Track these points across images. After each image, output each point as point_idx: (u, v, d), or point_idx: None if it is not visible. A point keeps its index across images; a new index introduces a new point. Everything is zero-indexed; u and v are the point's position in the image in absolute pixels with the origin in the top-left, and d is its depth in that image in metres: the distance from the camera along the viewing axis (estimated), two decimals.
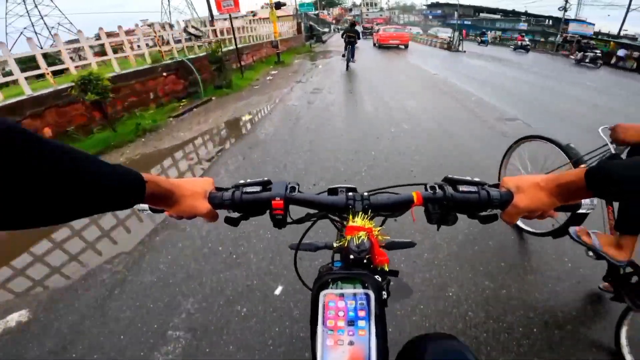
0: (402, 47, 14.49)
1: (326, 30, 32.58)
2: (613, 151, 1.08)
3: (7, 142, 0.25)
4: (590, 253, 1.17)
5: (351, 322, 0.40)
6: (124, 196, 0.36)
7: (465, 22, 30.08)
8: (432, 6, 44.04)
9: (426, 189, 0.45)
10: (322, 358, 0.38)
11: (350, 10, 69.49)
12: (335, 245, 0.48)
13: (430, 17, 38.66)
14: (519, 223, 1.67)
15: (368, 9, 67.69)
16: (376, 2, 71.40)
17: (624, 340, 1.06)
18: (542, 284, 1.35)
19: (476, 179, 0.45)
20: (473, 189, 0.44)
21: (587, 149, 1.20)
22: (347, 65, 8.32)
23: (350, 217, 0.44)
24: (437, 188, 0.44)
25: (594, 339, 1.13)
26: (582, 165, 1.17)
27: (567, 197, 0.41)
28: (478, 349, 1.07)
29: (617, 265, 1.10)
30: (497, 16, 32.79)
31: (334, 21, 58.94)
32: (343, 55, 8.59)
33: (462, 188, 0.44)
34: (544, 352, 1.08)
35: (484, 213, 0.44)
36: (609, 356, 1.08)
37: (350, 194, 0.46)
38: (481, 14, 35.45)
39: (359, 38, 8.11)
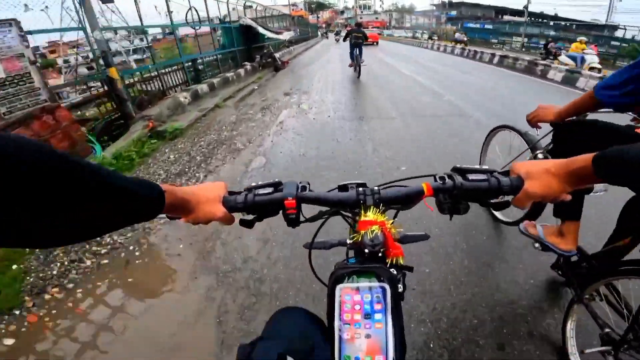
0: (375, 43, 27.55)
1: (307, 35, 30.91)
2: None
3: (42, 164, 0.35)
4: (537, 245, 1.55)
5: (367, 316, 0.56)
6: (147, 209, 0.52)
7: (486, 26, 34.12)
8: (443, 6, 49.90)
9: (435, 180, 0.65)
10: (339, 351, 0.54)
11: (342, 12, 79.16)
12: (348, 241, 0.65)
13: (445, 19, 43.29)
14: (492, 211, 2.33)
15: (362, 11, 76.68)
16: (369, 5, 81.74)
17: (569, 332, 1.38)
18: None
19: (485, 167, 0.66)
20: (482, 177, 0.63)
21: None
22: (359, 72, 9.26)
23: (362, 212, 0.63)
24: (446, 178, 0.64)
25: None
26: (538, 151, 1.67)
27: (578, 182, 0.58)
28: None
29: (562, 254, 1.44)
30: (522, 19, 37.61)
31: (323, 25, 66.13)
32: (350, 65, 9.79)
33: (471, 177, 0.63)
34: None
35: (495, 200, 0.64)
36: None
37: (360, 189, 0.65)
38: (504, 17, 40.51)
39: (366, 39, 9.35)
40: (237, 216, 0.67)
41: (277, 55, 13.00)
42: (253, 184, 0.68)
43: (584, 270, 1.41)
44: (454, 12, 43.56)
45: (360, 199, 0.64)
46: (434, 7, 53.84)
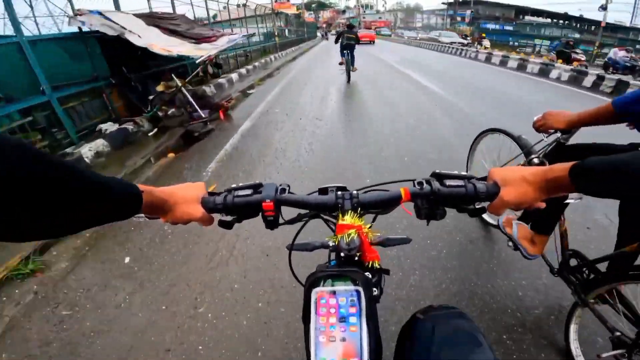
0: (372, 42, 32.07)
1: (302, 36, 30.63)
2: (561, 140, 1.66)
3: (18, 160, 0.40)
4: (510, 243, 1.84)
5: (342, 319, 0.64)
6: (123, 208, 0.59)
7: (506, 27, 35.14)
8: (454, 5, 51.15)
9: (414, 185, 0.74)
10: (315, 354, 0.61)
11: (344, 12, 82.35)
12: (330, 244, 0.74)
13: (469, 18, 43.98)
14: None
15: (364, 11, 79.58)
16: (372, 5, 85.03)
17: (572, 335, 1.58)
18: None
19: (463, 173, 0.75)
20: (460, 182, 0.72)
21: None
22: (349, 77, 9.67)
23: (340, 215, 0.71)
24: (424, 183, 0.73)
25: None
26: (534, 156, 1.83)
27: (554, 191, 0.66)
28: None
29: (526, 257, 1.76)
30: (547, 20, 38.65)
31: (324, 25, 68.42)
32: (340, 63, 10.20)
33: (449, 182, 0.72)
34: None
35: (470, 207, 0.73)
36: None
37: (339, 192, 0.74)
38: (526, 17, 41.54)
39: (358, 42, 9.78)
40: (217, 217, 0.75)
41: (209, 88, 8.29)
42: (233, 185, 0.76)
43: (587, 274, 1.57)
44: (468, 12, 44.71)
45: (338, 202, 0.73)
46: (446, 6, 55.13)
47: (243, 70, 11.89)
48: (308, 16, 55.09)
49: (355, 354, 0.61)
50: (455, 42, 25.80)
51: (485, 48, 22.15)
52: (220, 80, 9.76)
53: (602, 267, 1.51)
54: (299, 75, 12.45)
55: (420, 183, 0.74)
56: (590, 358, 1.53)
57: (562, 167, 0.62)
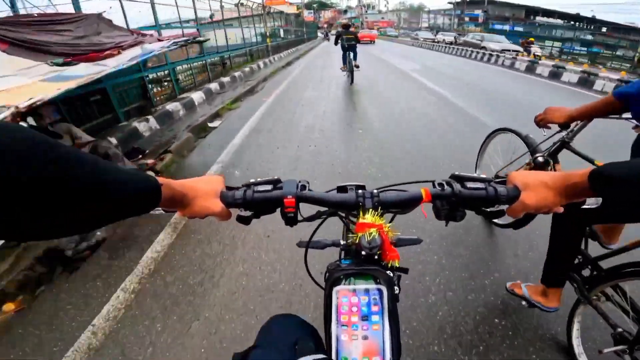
0: (372, 42, 35.24)
1: (302, 37, 29.14)
2: (566, 139, 1.86)
3: (33, 152, 0.40)
4: (524, 302, 1.96)
5: (365, 317, 0.68)
6: (143, 204, 0.62)
7: (516, 28, 35.37)
8: (462, 4, 51.54)
9: (434, 186, 0.78)
10: (336, 352, 0.65)
11: (345, 12, 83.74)
12: (342, 242, 0.77)
13: (482, 18, 44.04)
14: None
15: (366, 11, 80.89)
16: (373, 4, 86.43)
17: (575, 333, 1.71)
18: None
19: (483, 176, 0.79)
20: (480, 185, 0.76)
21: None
22: (352, 78, 9.76)
23: (361, 214, 0.75)
24: (445, 185, 0.77)
25: None
26: (538, 154, 2.00)
27: (573, 196, 0.71)
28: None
29: (548, 311, 1.83)
30: (558, 21, 38.89)
31: (325, 25, 69.29)
32: (342, 69, 10.40)
33: (469, 184, 0.76)
34: None
35: (490, 209, 0.77)
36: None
37: (360, 191, 0.78)
38: (537, 18, 41.82)
39: (358, 42, 9.96)
40: (235, 212, 0.79)
41: (144, 125, 5.54)
42: (252, 180, 0.80)
43: (590, 272, 1.66)
44: (480, 12, 45.00)
45: (359, 201, 0.76)
46: (452, 6, 55.49)
47: (213, 85, 9.12)
48: (307, 15, 55.38)
49: (377, 352, 0.64)
50: (508, 50, 18.38)
51: (535, 56, 17.53)
52: (172, 105, 6.71)
53: (605, 264, 1.58)
54: (291, 89, 9.78)
55: (440, 184, 0.78)
56: (592, 355, 1.67)
57: (580, 173, 0.66)
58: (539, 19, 41.70)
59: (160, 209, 0.68)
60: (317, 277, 0.92)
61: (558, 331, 1.90)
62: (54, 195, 0.43)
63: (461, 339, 1.89)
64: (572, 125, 1.76)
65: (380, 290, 0.70)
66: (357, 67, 10.00)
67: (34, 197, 0.41)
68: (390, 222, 0.78)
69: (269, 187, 0.78)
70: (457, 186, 0.76)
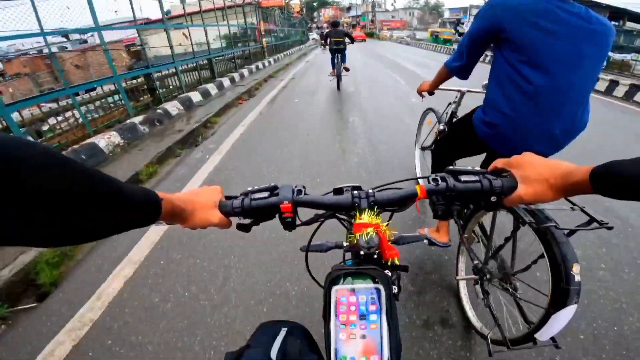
0: (364, 41, 40.80)
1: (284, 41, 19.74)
2: (453, 110, 2.69)
3: (45, 166, 0.42)
4: (425, 241, 2.39)
5: (363, 316, 0.68)
6: (143, 216, 0.63)
7: None
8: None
9: (429, 182, 0.79)
10: (335, 351, 0.66)
11: (348, 9, 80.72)
12: (345, 244, 0.78)
13: None
14: None
15: (374, 10, 79.15)
16: (380, 3, 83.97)
17: (460, 266, 2.03)
18: None
19: (477, 169, 0.79)
20: (475, 178, 0.77)
21: None
22: (338, 84, 9.03)
23: (357, 214, 0.76)
24: (439, 180, 0.78)
25: None
26: (441, 124, 2.81)
27: (572, 192, 0.71)
28: None
29: (442, 246, 2.34)
30: None
31: (325, 25, 67.27)
32: (330, 74, 9.31)
33: (464, 178, 0.77)
34: None
35: (487, 201, 0.77)
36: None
37: (355, 192, 0.79)
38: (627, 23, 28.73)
39: (352, 41, 9.18)
40: (235, 220, 0.81)
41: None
42: (249, 188, 0.82)
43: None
44: None
45: (355, 202, 0.78)
46: (469, 6, 53.50)
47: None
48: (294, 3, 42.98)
49: (375, 350, 0.65)
50: None
51: None
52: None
53: None
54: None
55: (435, 180, 0.78)
56: (471, 287, 1.91)
57: (582, 171, 0.66)
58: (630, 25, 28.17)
59: (162, 222, 0.70)
60: (322, 279, 0.92)
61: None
62: (59, 198, 0.45)
63: None
64: (456, 97, 2.66)
65: (378, 290, 0.70)
66: (347, 70, 9.27)
67: (62, 206, 0.44)
68: (388, 220, 0.79)
69: (266, 194, 0.79)
70: (451, 180, 0.77)
